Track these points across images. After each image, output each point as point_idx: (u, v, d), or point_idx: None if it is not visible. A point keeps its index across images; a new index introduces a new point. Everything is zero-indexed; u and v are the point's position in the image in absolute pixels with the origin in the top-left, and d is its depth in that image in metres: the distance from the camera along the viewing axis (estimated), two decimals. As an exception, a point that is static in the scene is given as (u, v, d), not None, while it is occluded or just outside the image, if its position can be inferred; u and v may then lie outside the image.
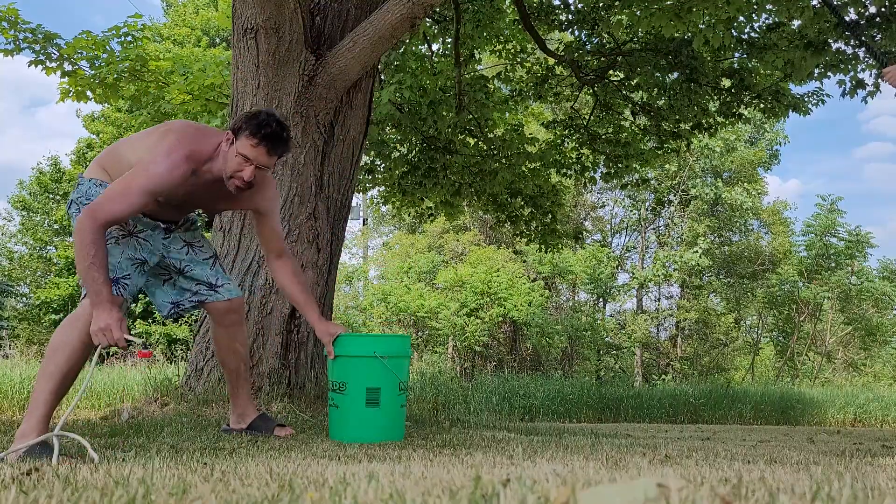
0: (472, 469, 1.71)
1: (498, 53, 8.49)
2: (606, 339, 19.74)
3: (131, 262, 2.58)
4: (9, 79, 41.45)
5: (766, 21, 6.94)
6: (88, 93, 6.69)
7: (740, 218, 20.45)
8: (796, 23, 6.60)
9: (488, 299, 17.03)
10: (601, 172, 8.96)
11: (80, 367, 2.47)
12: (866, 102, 6.66)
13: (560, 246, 9.42)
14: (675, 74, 7.72)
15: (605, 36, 7.80)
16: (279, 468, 1.71)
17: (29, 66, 6.39)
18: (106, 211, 2.37)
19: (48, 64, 6.42)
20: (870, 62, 6.35)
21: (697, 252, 18.98)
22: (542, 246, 9.19)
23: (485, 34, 8.03)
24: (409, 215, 9.83)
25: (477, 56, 8.51)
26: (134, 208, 2.42)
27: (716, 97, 7.95)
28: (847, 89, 6.53)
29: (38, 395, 2.38)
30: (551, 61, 8.49)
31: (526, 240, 9.50)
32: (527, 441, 3.01)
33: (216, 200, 2.72)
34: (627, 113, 8.65)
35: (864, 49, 6.04)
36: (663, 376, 18.41)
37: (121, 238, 2.55)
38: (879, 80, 6.39)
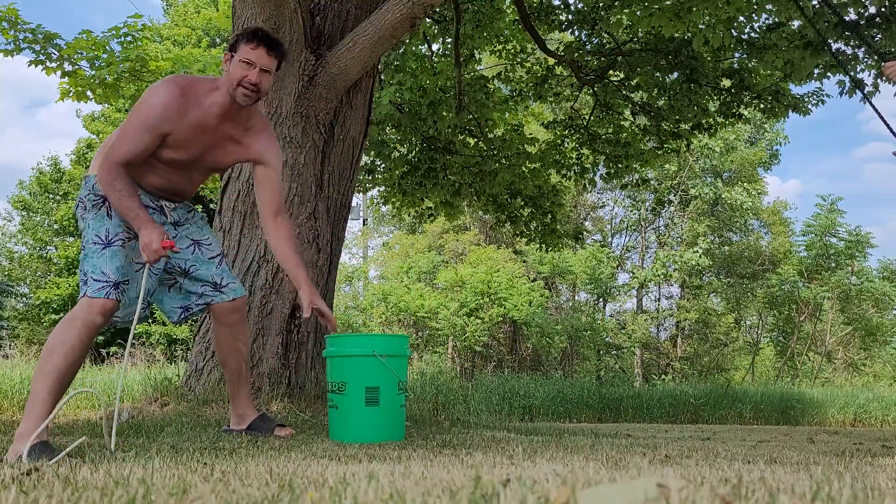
0: (472, 469, 1.71)
1: (498, 53, 8.49)
2: (606, 339, 19.74)
3: (135, 267, 2.59)
4: (9, 79, 41.48)
5: (766, 21, 6.94)
6: (88, 93, 6.68)
7: (740, 218, 20.45)
8: (796, 23, 6.60)
9: (488, 299, 17.03)
10: (601, 173, 8.97)
11: (79, 366, 2.46)
12: (864, 103, 6.65)
13: (560, 246, 9.42)
14: (675, 74, 7.72)
15: (605, 36, 7.81)
16: (279, 468, 1.71)
17: (29, 66, 6.39)
18: (116, 153, 2.49)
19: (48, 64, 6.41)
20: (869, 62, 6.35)
21: (697, 252, 18.98)
22: (542, 246, 9.20)
23: (485, 34, 8.03)
24: (409, 215, 9.83)
25: (477, 56, 8.51)
26: (140, 146, 2.51)
27: (716, 97, 7.95)
28: (846, 89, 6.53)
29: (37, 395, 2.36)
30: (551, 61, 8.49)
31: (526, 240, 9.50)
32: (527, 441, 3.01)
33: (223, 145, 2.70)
34: (627, 113, 8.65)
35: (863, 49, 6.04)
36: (663, 376, 18.40)
37: (126, 241, 2.56)
38: (879, 80, 6.39)
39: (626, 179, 9.14)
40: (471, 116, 7.99)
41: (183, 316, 2.82)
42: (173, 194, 2.76)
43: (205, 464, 1.83)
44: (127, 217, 2.49)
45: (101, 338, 17.71)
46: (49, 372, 2.36)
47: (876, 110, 3.30)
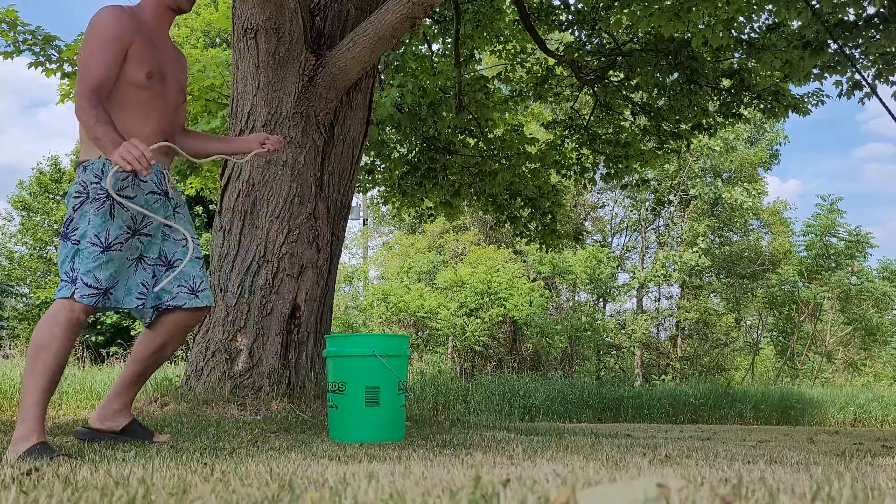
0: (472, 469, 1.71)
1: (498, 54, 8.49)
2: (606, 339, 19.73)
3: (126, 264, 2.50)
4: (9, 79, 41.51)
5: (766, 21, 6.94)
6: (89, 93, 6.68)
7: (740, 218, 20.45)
8: (795, 23, 6.60)
9: (488, 299, 17.03)
10: (601, 173, 8.96)
11: (66, 362, 2.41)
12: (863, 104, 6.65)
13: (560, 247, 9.42)
14: (675, 75, 7.72)
15: (605, 36, 7.81)
16: (279, 468, 1.71)
17: (29, 67, 6.39)
18: (88, 79, 2.41)
19: (48, 66, 6.42)
20: (866, 63, 6.36)
21: (697, 252, 18.99)
22: (542, 246, 9.19)
23: (485, 34, 8.03)
24: (408, 216, 9.83)
25: (477, 56, 8.51)
26: (109, 62, 2.45)
27: (715, 98, 7.95)
28: (844, 90, 6.53)
29: (30, 397, 2.32)
30: (551, 61, 8.49)
31: (526, 240, 9.50)
32: (527, 441, 3.01)
33: (172, 57, 2.72)
34: (627, 113, 8.65)
35: (858, 50, 6.04)
36: (663, 376, 18.39)
37: (124, 244, 2.47)
38: (877, 82, 6.39)
39: (626, 180, 9.14)
40: (471, 116, 7.99)
41: (140, 307, 2.58)
42: (167, 135, 2.64)
43: (205, 464, 1.83)
44: (104, 142, 2.32)
45: (101, 338, 17.71)
46: (41, 372, 2.33)
47: (884, 104, 3.27)
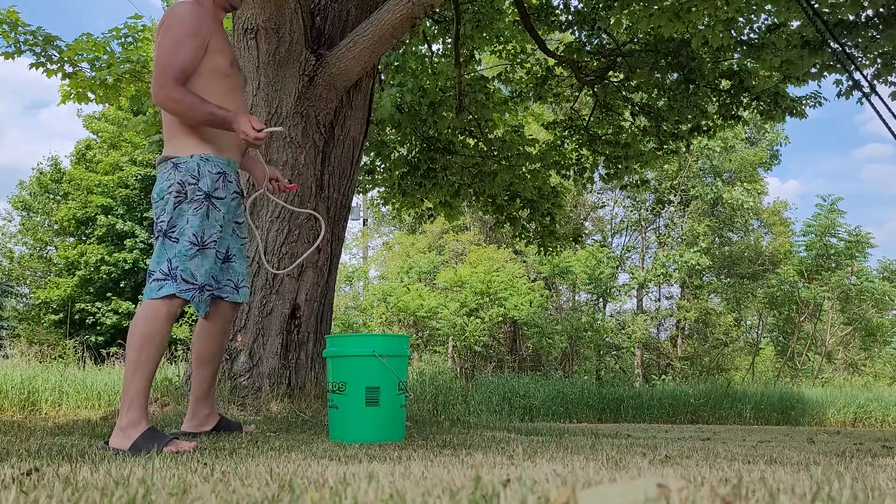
0: (472, 469, 1.71)
1: (498, 54, 8.49)
2: (606, 339, 19.73)
3: (217, 261, 2.68)
4: (10, 80, 41.51)
5: (765, 22, 6.94)
6: (89, 94, 6.69)
7: (740, 217, 20.46)
8: (795, 23, 6.60)
9: (488, 299, 17.02)
10: (600, 174, 8.96)
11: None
12: (861, 103, 6.65)
13: (559, 249, 9.41)
14: (675, 75, 7.71)
15: (605, 36, 7.81)
16: (279, 468, 1.71)
17: (30, 68, 6.39)
18: (171, 68, 2.53)
19: (49, 66, 6.41)
20: (863, 62, 6.36)
21: (697, 252, 18.99)
22: (541, 249, 9.19)
23: (485, 35, 8.03)
24: (408, 216, 9.83)
25: (477, 57, 8.51)
26: (191, 54, 2.58)
27: (715, 99, 7.95)
28: (843, 90, 6.53)
29: (137, 385, 2.47)
30: (551, 62, 8.49)
31: (525, 241, 9.50)
32: (527, 441, 3.01)
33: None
34: (627, 114, 8.65)
35: (857, 49, 6.04)
36: (663, 376, 18.39)
37: (216, 243, 2.62)
38: (876, 82, 6.39)
39: (626, 180, 9.14)
40: (471, 117, 7.99)
41: (207, 298, 2.70)
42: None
43: (205, 464, 1.83)
44: (211, 120, 2.54)
45: (101, 338, 17.71)
46: (146, 363, 2.49)
47: (875, 110, 3.31)
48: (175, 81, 2.51)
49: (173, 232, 2.55)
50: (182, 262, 2.54)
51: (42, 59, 6.36)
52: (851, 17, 5.98)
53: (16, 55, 6.26)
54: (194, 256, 2.55)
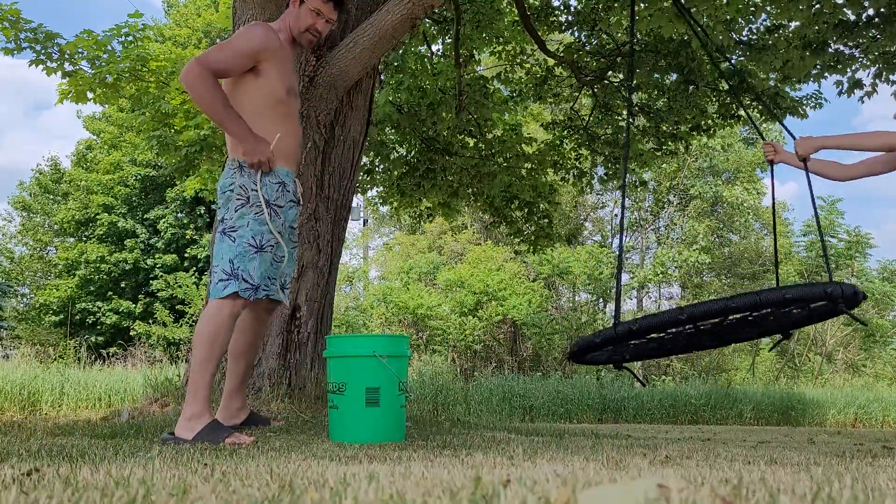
0: (472, 470, 1.71)
1: (498, 54, 8.49)
2: (606, 339, 19.67)
3: (274, 263, 2.79)
4: (12, 81, 41.53)
5: (765, 23, 6.94)
6: (88, 93, 6.67)
7: (740, 217, 20.45)
8: (794, 23, 6.60)
9: (488, 298, 17.02)
10: (599, 175, 8.96)
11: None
12: (863, 102, 6.65)
13: (550, 246, 9.42)
14: (675, 76, 7.72)
15: (605, 37, 7.81)
16: (279, 469, 1.71)
17: (30, 65, 6.38)
18: (211, 59, 2.68)
19: (49, 64, 6.40)
20: (864, 62, 6.36)
21: (696, 250, 18.99)
22: (531, 248, 9.18)
23: (484, 35, 8.03)
24: (407, 216, 9.84)
25: (477, 57, 8.51)
26: (234, 64, 2.73)
27: (714, 99, 7.94)
28: (844, 89, 6.53)
29: (204, 379, 2.64)
30: (551, 62, 8.49)
31: (519, 240, 9.49)
32: (527, 442, 3.01)
33: (296, 82, 3.01)
34: (626, 114, 8.64)
35: (858, 49, 6.05)
36: (663, 377, 18.39)
37: (274, 247, 2.75)
38: (877, 81, 6.39)
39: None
40: (470, 117, 7.98)
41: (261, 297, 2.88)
42: (301, 147, 2.98)
43: (205, 464, 1.83)
44: (225, 123, 2.66)
45: (101, 338, 17.70)
46: (212, 359, 2.66)
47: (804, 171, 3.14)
48: (208, 71, 2.65)
49: (234, 232, 2.72)
50: (242, 262, 2.70)
51: (42, 57, 6.35)
52: (852, 17, 5.99)
53: (16, 52, 6.25)
54: (253, 258, 2.71)
